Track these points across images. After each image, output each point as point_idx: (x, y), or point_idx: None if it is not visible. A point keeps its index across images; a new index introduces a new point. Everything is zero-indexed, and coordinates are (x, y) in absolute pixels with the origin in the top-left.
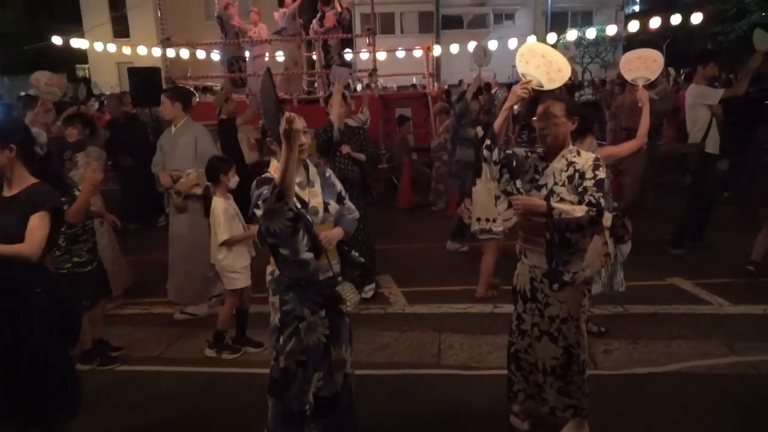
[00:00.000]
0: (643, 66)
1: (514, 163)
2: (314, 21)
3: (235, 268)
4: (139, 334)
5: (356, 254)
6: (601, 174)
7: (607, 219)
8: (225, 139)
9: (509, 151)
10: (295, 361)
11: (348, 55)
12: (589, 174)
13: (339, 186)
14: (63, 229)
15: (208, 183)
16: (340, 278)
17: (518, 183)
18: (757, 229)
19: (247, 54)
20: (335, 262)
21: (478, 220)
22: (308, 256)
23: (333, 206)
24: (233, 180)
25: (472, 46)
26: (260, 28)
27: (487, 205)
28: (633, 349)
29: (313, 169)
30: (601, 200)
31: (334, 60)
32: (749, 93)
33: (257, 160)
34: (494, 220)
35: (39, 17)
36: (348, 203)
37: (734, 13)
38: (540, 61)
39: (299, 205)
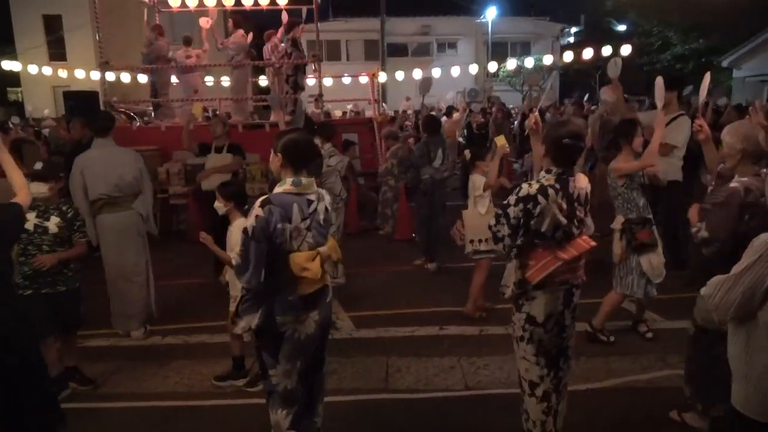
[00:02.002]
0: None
1: None
2: (269, 47)
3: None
4: None
5: None
6: (511, 201)
7: (617, 223)
8: None
9: None
10: None
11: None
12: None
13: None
14: None
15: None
16: None
17: None
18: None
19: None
20: None
21: (471, 242)
22: None
23: None
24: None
25: (417, 73)
26: (184, 51)
27: (478, 227)
28: (574, 365)
29: None
30: (498, 227)
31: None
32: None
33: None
34: (486, 241)
35: None
36: None
37: (659, 45)
38: None
39: None
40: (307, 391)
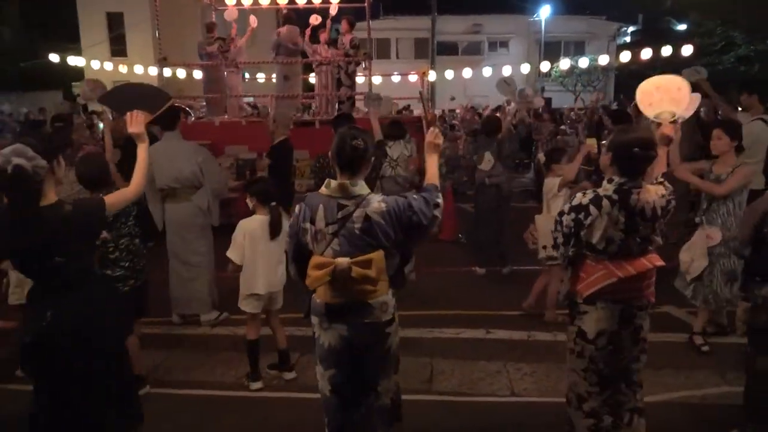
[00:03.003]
0: (666, 98)
1: None
2: (324, 44)
3: (242, 290)
4: None
5: None
6: (565, 209)
7: None
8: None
9: None
10: None
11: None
12: None
13: None
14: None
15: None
16: None
17: None
18: None
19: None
20: None
21: (544, 247)
22: None
23: None
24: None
25: (467, 72)
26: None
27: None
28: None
29: None
30: (556, 234)
31: (344, 82)
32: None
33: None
34: None
35: (37, 35)
36: None
37: (722, 46)
38: (658, 95)
39: None
40: (349, 416)
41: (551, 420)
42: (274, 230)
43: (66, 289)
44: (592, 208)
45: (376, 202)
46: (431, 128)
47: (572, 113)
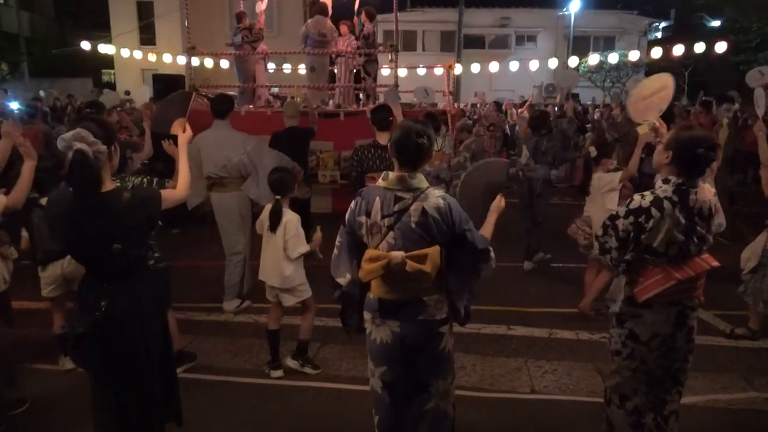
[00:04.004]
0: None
1: None
2: (349, 37)
3: (303, 279)
4: None
5: None
6: (621, 213)
7: None
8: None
9: None
10: None
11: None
12: None
13: None
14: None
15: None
16: None
17: None
18: None
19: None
20: None
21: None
22: None
23: None
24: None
25: (493, 66)
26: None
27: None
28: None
29: None
30: (605, 238)
31: (362, 74)
32: None
33: None
34: None
35: (68, 23)
36: None
37: (758, 43)
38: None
39: None
40: (400, 415)
41: (572, 418)
42: (271, 220)
43: (120, 279)
44: (653, 211)
45: (435, 197)
46: (499, 195)
47: (596, 111)
